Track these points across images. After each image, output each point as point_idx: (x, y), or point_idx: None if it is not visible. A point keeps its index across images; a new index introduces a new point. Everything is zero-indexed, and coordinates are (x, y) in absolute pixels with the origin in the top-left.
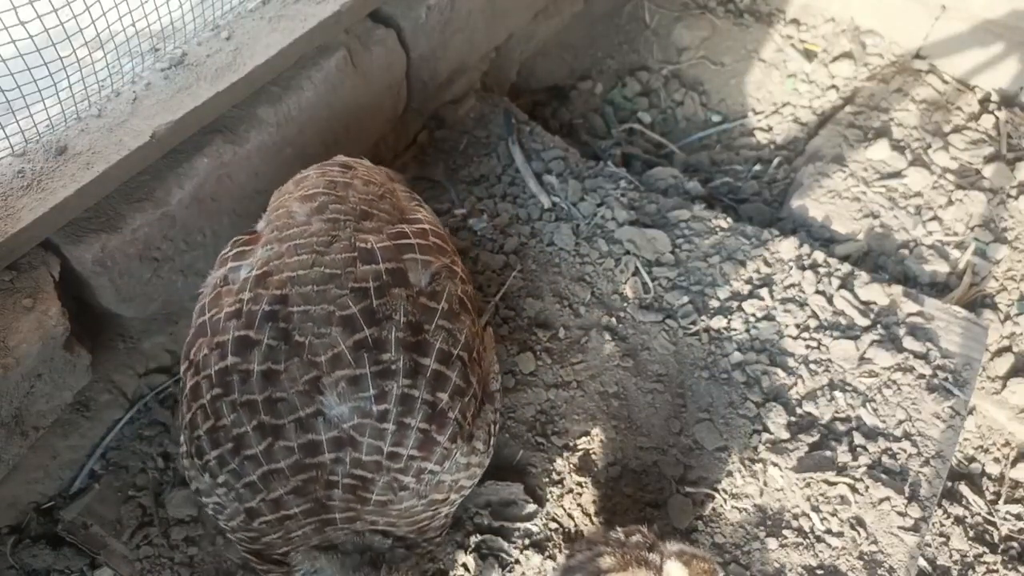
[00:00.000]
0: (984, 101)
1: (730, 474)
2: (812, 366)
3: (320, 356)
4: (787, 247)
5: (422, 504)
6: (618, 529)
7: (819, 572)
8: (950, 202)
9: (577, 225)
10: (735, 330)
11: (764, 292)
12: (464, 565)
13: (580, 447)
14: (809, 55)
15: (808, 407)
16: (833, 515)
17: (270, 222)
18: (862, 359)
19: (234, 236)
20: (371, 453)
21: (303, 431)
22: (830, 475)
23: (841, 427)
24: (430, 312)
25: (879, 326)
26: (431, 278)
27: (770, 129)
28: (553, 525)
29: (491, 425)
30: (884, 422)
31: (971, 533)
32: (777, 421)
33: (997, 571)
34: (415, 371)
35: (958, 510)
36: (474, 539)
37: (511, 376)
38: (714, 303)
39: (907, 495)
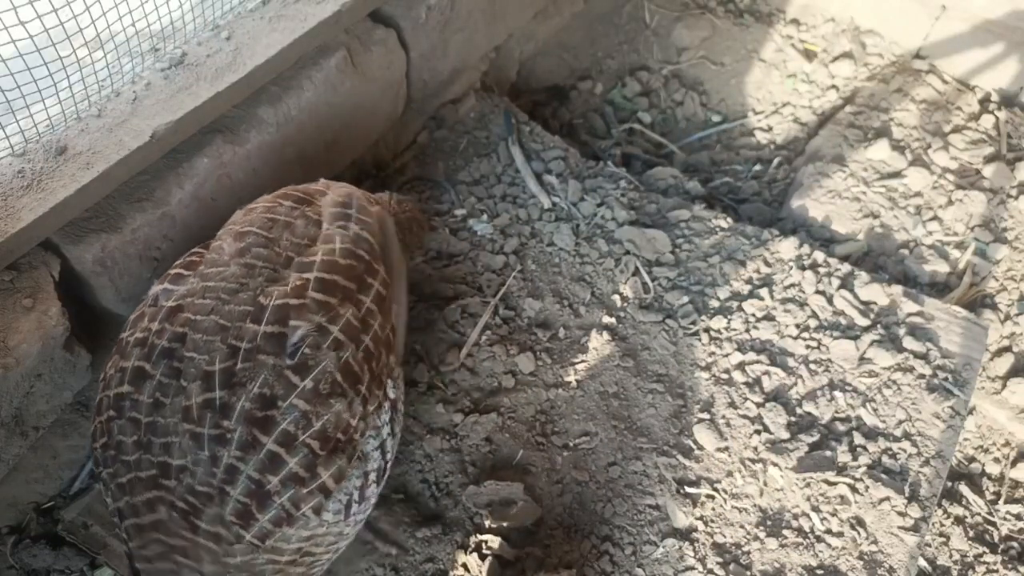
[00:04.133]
0: (984, 101)
1: (730, 474)
2: (812, 366)
3: (182, 403)
4: (787, 247)
5: (260, 560)
6: None
7: (819, 572)
8: (950, 202)
9: (577, 225)
10: (735, 330)
11: (764, 292)
12: (464, 565)
13: (580, 447)
14: (809, 55)
15: (808, 407)
16: (833, 515)
17: (210, 251)
18: (862, 359)
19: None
20: (203, 485)
21: (164, 452)
22: (830, 475)
23: (841, 427)
24: (290, 388)
25: (879, 326)
26: (293, 347)
27: (770, 129)
28: (553, 524)
29: (357, 491)
30: (884, 422)
31: (971, 533)
32: (777, 421)
33: (997, 571)
34: (250, 445)
35: (958, 510)
36: (474, 539)
37: (511, 376)
38: (714, 303)
39: (907, 495)
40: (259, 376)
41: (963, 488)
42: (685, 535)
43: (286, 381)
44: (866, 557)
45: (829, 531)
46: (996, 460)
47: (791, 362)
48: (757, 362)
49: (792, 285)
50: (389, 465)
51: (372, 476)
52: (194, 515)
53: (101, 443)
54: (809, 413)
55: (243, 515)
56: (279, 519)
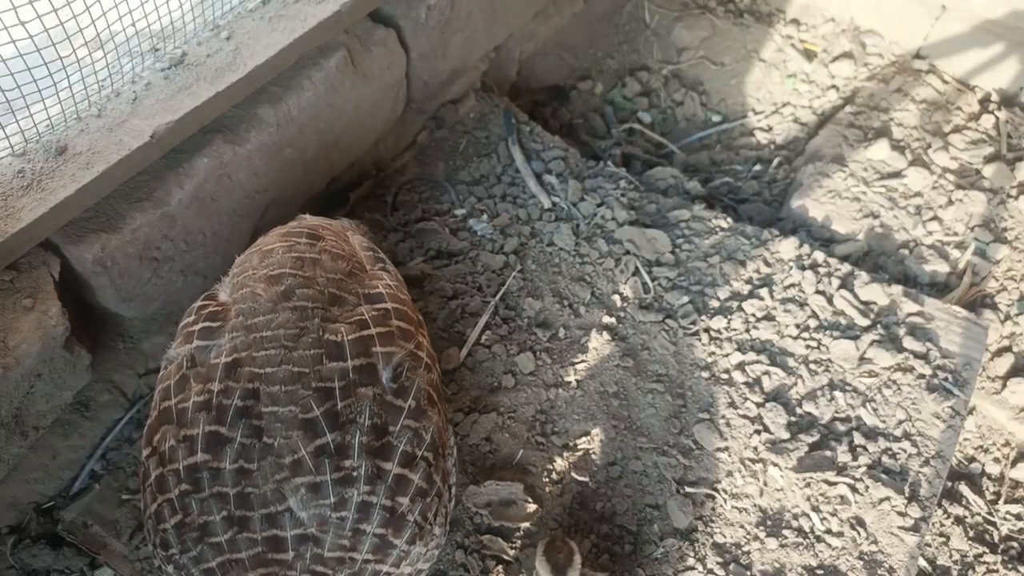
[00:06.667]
0: (984, 101)
1: (730, 474)
2: (812, 366)
3: (285, 459)
4: (787, 247)
5: None
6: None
7: (819, 572)
8: (950, 202)
9: (577, 225)
10: (735, 330)
11: (764, 292)
12: (464, 565)
13: (580, 447)
14: (809, 55)
15: (808, 407)
16: (833, 515)
17: (236, 301)
18: (862, 359)
19: (201, 297)
20: (333, 550)
21: (269, 525)
22: (830, 475)
23: (841, 427)
24: (396, 412)
25: (879, 326)
26: (394, 372)
27: (770, 129)
28: (553, 524)
29: (447, 506)
30: (884, 422)
31: (971, 533)
32: (777, 421)
33: (997, 571)
34: (376, 476)
35: (958, 510)
36: (474, 539)
37: (511, 376)
38: (714, 303)
39: (907, 495)
40: (364, 409)
41: (963, 488)
42: (685, 535)
43: (391, 406)
44: (866, 557)
45: (829, 531)
46: (996, 460)
47: (791, 362)
48: (757, 362)
49: (792, 285)
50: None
51: (453, 490)
52: None
53: (174, 523)
54: (809, 413)
55: (380, 548)
56: (413, 537)
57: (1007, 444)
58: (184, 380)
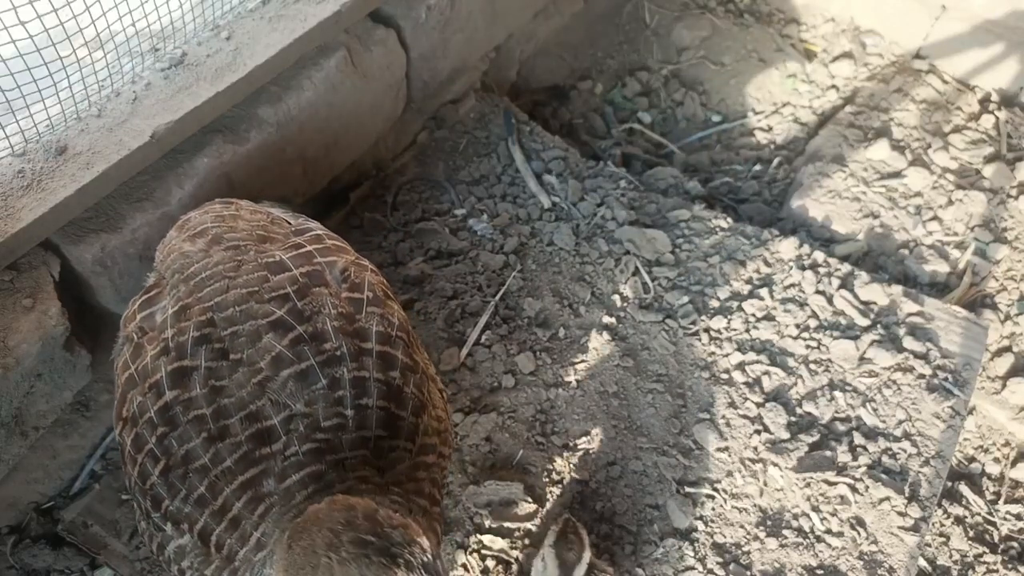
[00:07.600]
0: (984, 101)
1: (730, 474)
2: (812, 366)
3: (260, 362)
4: (787, 247)
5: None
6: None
7: (819, 572)
8: (950, 202)
9: (577, 225)
10: (735, 330)
11: (764, 292)
12: (464, 565)
13: (580, 447)
14: (809, 55)
15: (808, 407)
16: (833, 515)
17: (167, 267)
18: (862, 359)
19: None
20: (329, 418)
21: (251, 422)
22: (830, 475)
23: (841, 427)
24: (357, 303)
25: (879, 326)
26: (341, 275)
27: (770, 129)
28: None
29: (443, 393)
30: (884, 422)
31: (971, 533)
32: (777, 421)
33: (997, 571)
34: (360, 354)
35: (958, 510)
36: (474, 539)
37: (511, 376)
38: (714, 303)
39: (907, 495)
40: (325, 303)
41: (963, 488)
42: (685, 535)
43: (349, 299)
44: (866, 557)
45: (829, 531)
46: (996, 460)
47: (791, 362)
48: (757, 362)
49: (792, 285)
50: None
51: (445, 394)
52: (330, 451)
53: (159, 470)
54: (809, 413)
55: (387, 423)
56: (416, 408)
57: (1007, 444)
58: (138, 348)
